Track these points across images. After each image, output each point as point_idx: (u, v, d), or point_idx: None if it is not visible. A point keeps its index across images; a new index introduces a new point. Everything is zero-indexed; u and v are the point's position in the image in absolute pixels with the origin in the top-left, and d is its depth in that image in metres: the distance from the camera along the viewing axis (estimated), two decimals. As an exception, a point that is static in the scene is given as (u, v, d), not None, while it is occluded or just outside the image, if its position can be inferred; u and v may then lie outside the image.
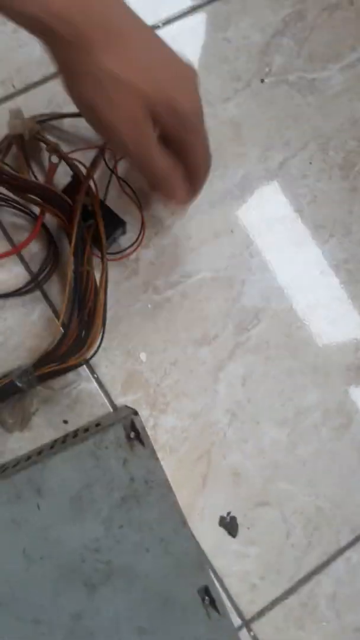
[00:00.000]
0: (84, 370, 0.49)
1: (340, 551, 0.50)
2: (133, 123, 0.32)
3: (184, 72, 0.34)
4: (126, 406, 0.45)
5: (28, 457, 0.40)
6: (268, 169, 0.55)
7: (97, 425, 0.41)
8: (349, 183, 0.56)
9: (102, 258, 0.47)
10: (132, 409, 0.40)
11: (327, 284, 0.54)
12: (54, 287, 0.50)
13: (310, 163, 0.55)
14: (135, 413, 0.38)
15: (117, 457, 0.37)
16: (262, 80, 0.56)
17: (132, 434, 0.37)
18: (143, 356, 0.50)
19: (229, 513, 0.49)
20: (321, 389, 0.52)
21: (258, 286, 0.53)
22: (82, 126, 0.51)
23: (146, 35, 0.33)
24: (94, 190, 0.48)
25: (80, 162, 0.48)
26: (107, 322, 0.48)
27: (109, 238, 0.48)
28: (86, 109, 0.33)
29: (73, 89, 0.33)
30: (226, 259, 0.53)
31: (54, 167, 0.49)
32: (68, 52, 0.31)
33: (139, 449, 0.37)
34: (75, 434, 0.42)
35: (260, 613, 0.48)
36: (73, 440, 0.39)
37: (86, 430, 0.41)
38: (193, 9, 0.56)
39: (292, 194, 0.55)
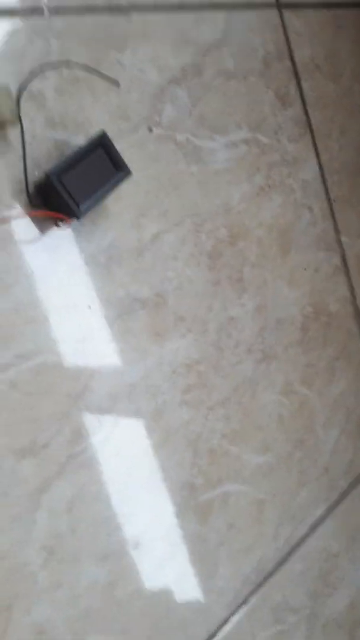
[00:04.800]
0: None
1: None
2: None
3: None
4: None
5: None
6: (140, 239, 0.45)
7: None
8: (213, 275, 0.50)
9: None
10: None
11: (176, 386, 0.47)
12: None
13: (183, 244, 0.48)
14: None
15: None
16: (151, 130, 0.46)
17: None
18: None
19: None
20: (152, 515, 0.44)
21: (107, 382, 0.42)
22: None
23: None
24: None
25: None
26: None
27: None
28: None
29: None
30: (75, 342, 0.41)
31: None
32: None
33: None
34: None
35: None
36: None
37: None
38: (87, 9, 0.43)
39: (160, 275, 0.46)
